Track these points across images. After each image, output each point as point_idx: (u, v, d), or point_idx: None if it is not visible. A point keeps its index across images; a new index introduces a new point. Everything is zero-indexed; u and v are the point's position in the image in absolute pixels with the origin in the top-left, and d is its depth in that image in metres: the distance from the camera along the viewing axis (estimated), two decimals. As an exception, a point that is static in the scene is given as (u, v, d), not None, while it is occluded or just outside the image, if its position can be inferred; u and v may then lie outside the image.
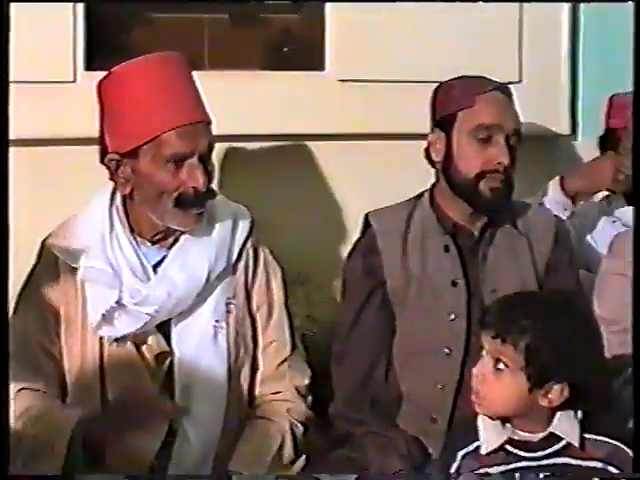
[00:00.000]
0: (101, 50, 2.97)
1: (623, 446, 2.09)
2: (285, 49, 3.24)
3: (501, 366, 2.06)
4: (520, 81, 3.16)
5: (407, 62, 3.07)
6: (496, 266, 2.49)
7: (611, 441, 2.09)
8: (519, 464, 2.10)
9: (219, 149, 2.66)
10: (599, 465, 2.08)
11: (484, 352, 2.08)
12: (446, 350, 2.45)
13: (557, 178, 2.98)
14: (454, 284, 2.47)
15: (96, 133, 2.44)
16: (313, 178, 3.11)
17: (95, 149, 2.44)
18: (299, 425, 2.46)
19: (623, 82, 3.02)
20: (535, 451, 2.10)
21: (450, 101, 2.49)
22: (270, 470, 2.35)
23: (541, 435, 2.09)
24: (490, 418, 2.10)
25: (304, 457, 2.42)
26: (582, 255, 2.91)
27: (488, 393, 2.07)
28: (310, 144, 3.11)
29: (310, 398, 2.52)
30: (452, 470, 2.14)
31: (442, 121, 2.50)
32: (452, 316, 2.46)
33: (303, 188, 3.09)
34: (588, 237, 2.98)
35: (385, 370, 2.50)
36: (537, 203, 2.77)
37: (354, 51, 3.07)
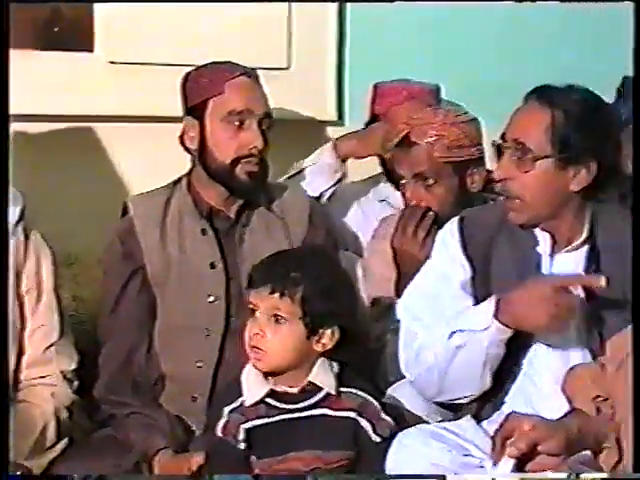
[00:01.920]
0: None
1: (372, 399, 2.23)
2: (56, 29, 3.21)
3: (280, 320, 2.17)
4: (288, 67, 3.22)
5: (177, 45, 3.08)
6: (253, 248, 2.51)
7: (361, 393, 2.23)
8: (281, 417, 2.20)
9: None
10: (352, 415, 2.20)
11: (258, 312, 2.17)
12: (205, 331, 2.48)
13: (330, 142, 3.02)
14: (212, 266, 2.50)
15: None
16: (84, 160, 3.09)
17: None
18: (64, 409, 2.45)
19: (389, 70, 3.15)
20: (295, 403, 2.20)
21: (200, 89, 2.49)
22: (31, 453, 2.34)
23: (300, 386, 2.20)
24: (267, 375, 2.19)
25: (67, 439, 2.42)
26: (345, 236, 2.99)
27: (269, 348, 2.17)
28: (81, 125, 3.08)
29: (77, 382, 2.51)
30: (219, 426, 2.22)
31: (194, 108, 2.51)
32: (211, 298, 2.49)
33: (74, 169, 3.05)
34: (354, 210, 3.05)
35: (147, 352, 2.51)
36: (294, 184, 2.79)
37: (124, 33, 3.07)
